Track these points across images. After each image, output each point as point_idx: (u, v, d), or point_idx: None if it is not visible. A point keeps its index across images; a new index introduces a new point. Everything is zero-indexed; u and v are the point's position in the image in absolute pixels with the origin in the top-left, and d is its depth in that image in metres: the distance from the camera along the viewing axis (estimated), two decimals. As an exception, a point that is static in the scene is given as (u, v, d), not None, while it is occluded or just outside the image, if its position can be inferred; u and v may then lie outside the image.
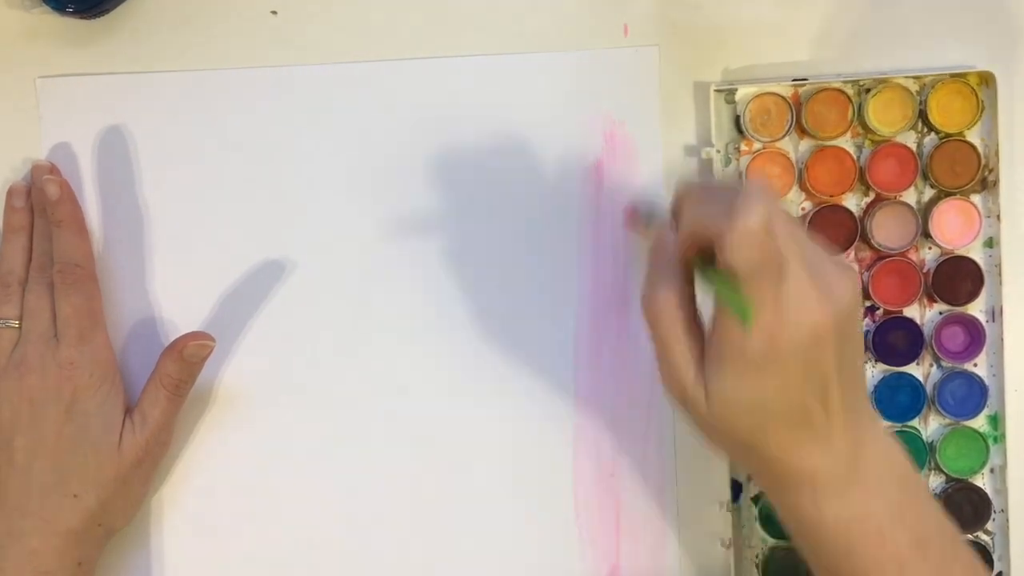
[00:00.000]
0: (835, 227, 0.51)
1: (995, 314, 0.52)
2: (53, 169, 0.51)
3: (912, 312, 0.52)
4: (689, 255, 0.41)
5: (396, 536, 0.53)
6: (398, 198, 0.52)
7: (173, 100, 0.52)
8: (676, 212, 0.42)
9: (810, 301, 0.38)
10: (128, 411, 0.50)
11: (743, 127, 0.51)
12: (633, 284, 0.52)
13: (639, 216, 0.51)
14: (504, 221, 0.52)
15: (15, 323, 0.49)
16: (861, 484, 0.41)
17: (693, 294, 0.42)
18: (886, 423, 0.52)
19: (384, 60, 0.52)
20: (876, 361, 0.52)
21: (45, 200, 0.50)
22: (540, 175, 0.52)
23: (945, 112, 0.51)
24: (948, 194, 0.51)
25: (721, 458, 0.42)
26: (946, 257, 0.52)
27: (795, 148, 0.52)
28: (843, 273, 0.40)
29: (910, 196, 0.52)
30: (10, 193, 0.51)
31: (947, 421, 0.52)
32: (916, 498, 0.42)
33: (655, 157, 0.52)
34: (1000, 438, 0.52)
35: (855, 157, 0.52)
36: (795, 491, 0.41)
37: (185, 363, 0.49)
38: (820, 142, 0.52)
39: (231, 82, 0.52)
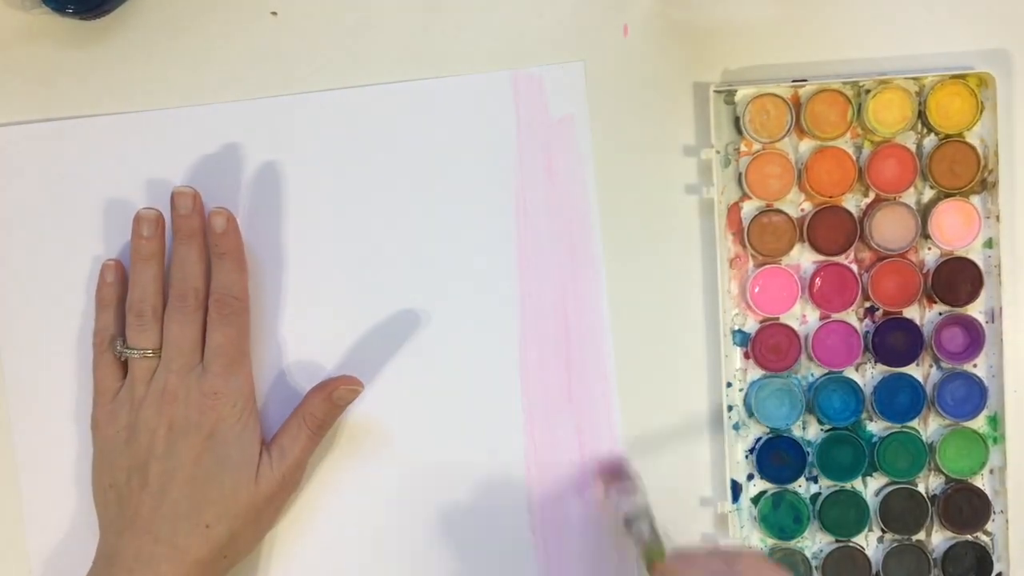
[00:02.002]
0: (835, 228, 0.51)
1: (994, 315, 0.52)
2: (196, 196, 0.49)
3: (912, 313, 0.52)
4: None
5: (348, 522, 0.52)
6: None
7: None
8: None
9: None
10: (265, 445, 0.49)
11: (743, 128, 0.51)
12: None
13: (621, 517, 0.49)
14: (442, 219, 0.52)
15: (150, 352, 0.48)
16: None
17: None
18: (884, 424, 0.52)
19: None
20: (876, 362, 0.52)
21: (209, 231, 0.49)
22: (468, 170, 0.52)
23: (944, 113, 0.51)
24: (947, 195, 0.51)
25: None
26: (946, 258, 0.52)
27: (795, 149, 0.52)
28: None
29: (909, 197, 0.52)
30: (138, 221, 0.49)
31: (947, 422, 0.52)
32: None
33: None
34: (999, 439, 0.52)
35: (855, 158, 0.52)
36: None
37: (332, 405, 0.49)
38: (820, 143, 0.52)
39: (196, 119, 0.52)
